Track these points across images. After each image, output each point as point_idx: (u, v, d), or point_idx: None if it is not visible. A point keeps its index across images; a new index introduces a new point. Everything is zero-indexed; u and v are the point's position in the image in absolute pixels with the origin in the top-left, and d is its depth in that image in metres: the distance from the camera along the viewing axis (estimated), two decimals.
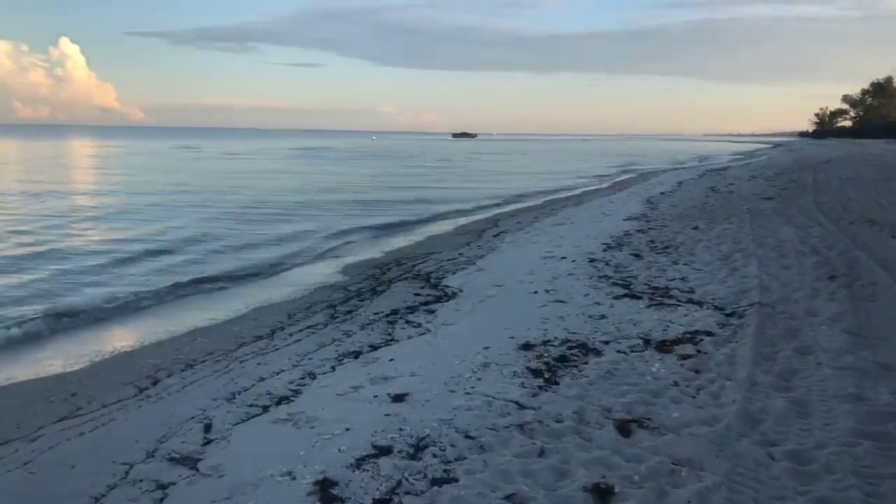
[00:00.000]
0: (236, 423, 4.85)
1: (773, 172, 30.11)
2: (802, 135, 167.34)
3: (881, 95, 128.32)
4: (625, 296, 8.02)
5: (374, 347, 6.64)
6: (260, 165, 47.90)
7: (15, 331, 8.12)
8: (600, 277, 9.13)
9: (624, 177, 37.55)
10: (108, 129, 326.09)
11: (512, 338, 6.50)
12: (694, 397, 4.76)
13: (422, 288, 9.52)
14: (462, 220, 18.97)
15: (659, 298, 7.84)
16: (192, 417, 5.05)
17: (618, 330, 6.61)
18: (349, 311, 8.42)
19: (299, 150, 78.83)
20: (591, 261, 10.33)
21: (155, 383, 6.12)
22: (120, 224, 17.27)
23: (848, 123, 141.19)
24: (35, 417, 5.43)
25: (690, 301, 7.66)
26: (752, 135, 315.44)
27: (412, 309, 8.24)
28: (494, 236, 14.69)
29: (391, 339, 6.89)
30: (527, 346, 6.19)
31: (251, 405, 5.24)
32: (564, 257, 10.75)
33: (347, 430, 4.48)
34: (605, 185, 32.02)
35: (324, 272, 11.77)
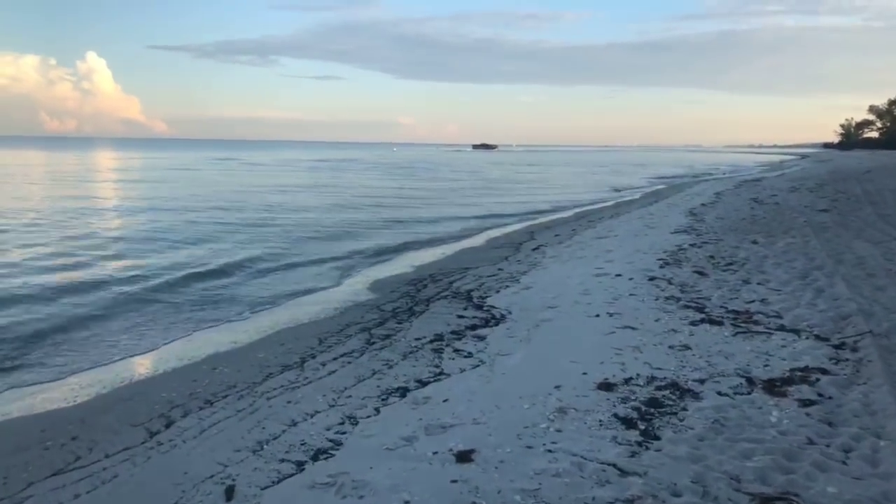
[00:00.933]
0: (265, 487, 3.93)
1: (814, 183, 28.83)
2: (827, 146, 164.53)
3: None
4: (703, 321, 7.01)
5: (422, 383, 5.70)
6: (288, 179, 47.36)
7: (19, 357, 7.32)
8: (667, 298, 8.12)
9: (655, 188, 36.40)
10: (134, 142, 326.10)
11: (585, 374, 5.52)
12: (844, 463, 3.75)
13: (465, 309, 8.57)
14: (494, 233, 18.02)
15: (744, 325, 6.81)
16: (211, 476, 4.13)
17: (709, 364, 5.61)
18: (387, 336, 7.49)
19: (328, 162, 77.93)
20: (651, 279, 9.32)
21: (168, 425, 5.22)
22: (153, 246, 16.35)
23: (875, 134, 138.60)
24: (26, 470, 4.55)
25: (782, 328, 6.62)
26: (775, 146, 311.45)
27: (458, 334, 7.29)
28: (533, 250, 13.72)
29: (441, 373, 5.94)
30: (606, 386, 5.21)
31: (282, 460, 4.31)
32: (619, 274, 9.76)
33: (406, 503, 3.53)
34: (637, 196, 30.91)
35: (354, 289, 10.86)
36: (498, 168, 68.40)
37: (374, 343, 7.24)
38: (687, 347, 6.11)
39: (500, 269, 11.47)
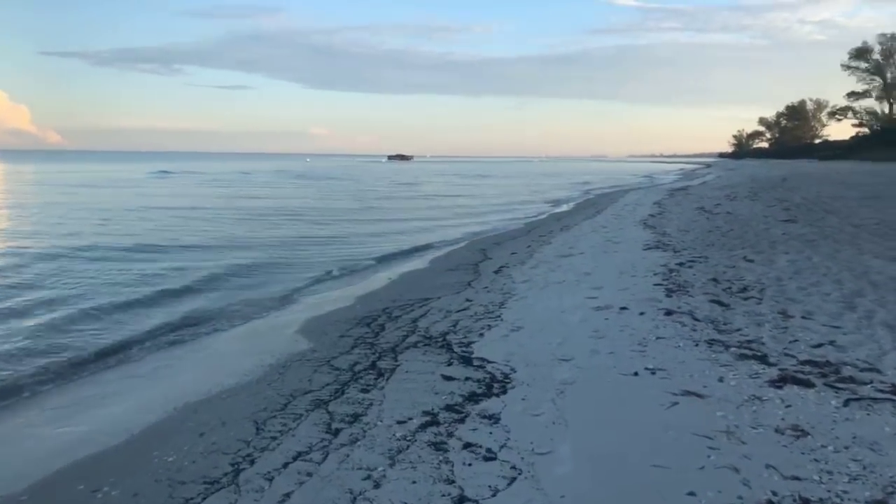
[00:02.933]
0: None
1: (746, 191, 28.65)
2: (722, 155, 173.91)
3: (794, 118, 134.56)
4: (782, 380, 5.26)
5: None
6: (204, 194, 43.59)
7: None
8: (709, 344, 6.36)
9: (585, 198, 35.61)
10: (26, 154, 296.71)
11: (692, 495, 3.59)
12: None
13: (448, 364, 6.48)
14: (438, 252, 16.00)
15: (841, 385, 5.11)
16: None
17: (864, 468, 3.81)
18: (354, 417, 5.29)
19: (248, 175, 73.10)
20: (668, 313, 7.58)
21: None
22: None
23: (765, 145, 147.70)
24: None
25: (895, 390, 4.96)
26: (674, 155, 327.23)
27: (457, 411, 5.20)
28: (496, 273, 11.79)
29: (463, 498, 3.84)
30: None
31: None
32: (625, 307, 7.97)
33: None
34: (570, 207, 29.81)
35: (287, 335, 8.54)
36: (421, 180, 66.71)
37: (338, 431, 5.03)
38: (802, 432, 4.31)
39: (468, 301, 9.45)
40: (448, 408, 5.28)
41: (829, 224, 14.58)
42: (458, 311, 8.84)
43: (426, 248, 16.82)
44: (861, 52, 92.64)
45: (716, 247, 12.48)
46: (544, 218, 24.32)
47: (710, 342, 6.39)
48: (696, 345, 6.35)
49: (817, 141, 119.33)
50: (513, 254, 14.04)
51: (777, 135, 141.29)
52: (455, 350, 6.91)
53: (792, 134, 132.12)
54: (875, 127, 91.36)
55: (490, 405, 5.27)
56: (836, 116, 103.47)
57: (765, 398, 4.91)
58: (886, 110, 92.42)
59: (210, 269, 13.01)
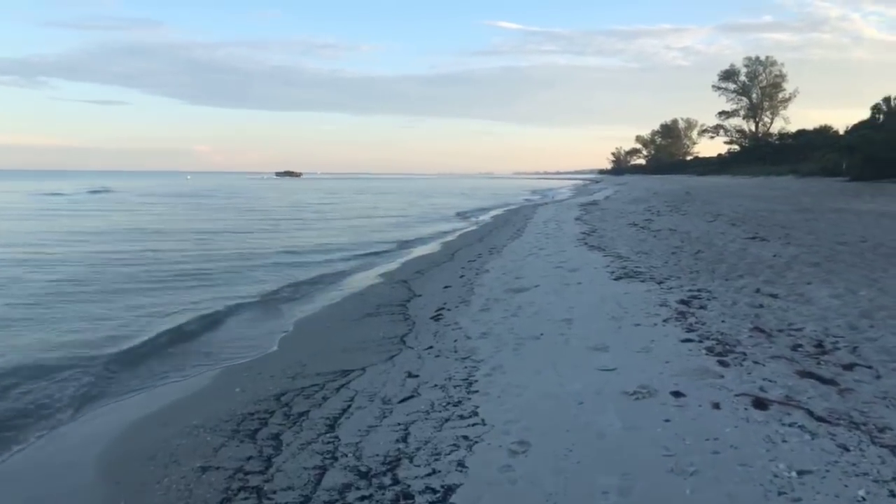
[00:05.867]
0: None
1: (663, 205, 27.19)
2: (602, 172, 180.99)
3: (668, 136, 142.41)
4: None
5: None
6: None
7: None
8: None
9: (492, 214, 33.15)
10: None
11: None
12: None
13: None
14: (346, 288, 12.46)
15: None
16: None
17: None
18: None
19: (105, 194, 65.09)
20: (759, 404, 4.61)
21: None
22: None
23: (642, 161, 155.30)
24: None
25: None
26: (558, 172, 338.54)
27: None
28: (435, 319, 8.52)
29: None
30: None
31: None
32: (679, 392, 4.92)
33: None
34: (481, 225, 27.07)
35: (86, 463, 4.80)
36: (310, 197, 62.27)
37: None
38: None
39: (412, 376, 6.10)
40: None
41: (805, 243, 12.52)
42: (402, 400, 5.49)
43: (333, 279, 13.25)
44: (728, 75, 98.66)
45: (703, 275, 9.88)
46: (460, 239, 21.31)
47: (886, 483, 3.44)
48: (892, 493, 3.37)
49: (689, 157, 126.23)
50: (446, 287, 10.83)
51: (653, 152, 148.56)
52: (414, 499, 3.55)
53: (667, 151, 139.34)
54: (744, 143, 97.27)
55: None
56: (709, 134, 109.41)
57: None
58: (753, 128, 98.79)
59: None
